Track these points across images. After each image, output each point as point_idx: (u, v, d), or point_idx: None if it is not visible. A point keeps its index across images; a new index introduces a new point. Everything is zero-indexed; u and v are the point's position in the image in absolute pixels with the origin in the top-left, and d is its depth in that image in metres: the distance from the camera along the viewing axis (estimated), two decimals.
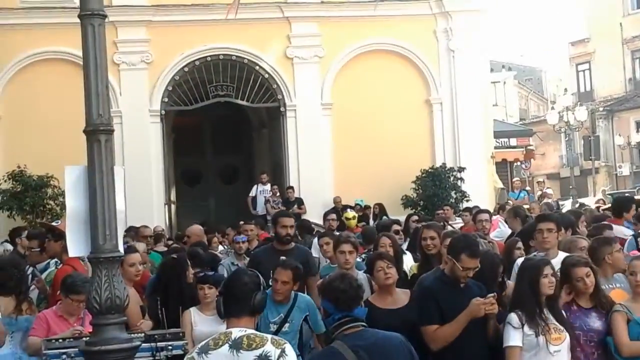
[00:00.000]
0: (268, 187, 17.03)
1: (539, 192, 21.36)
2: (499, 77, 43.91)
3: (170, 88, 16.86)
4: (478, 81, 17.91)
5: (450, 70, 17.57)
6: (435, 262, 6.10)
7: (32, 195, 14.93)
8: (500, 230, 10.19)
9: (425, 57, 17.55)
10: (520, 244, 6.83)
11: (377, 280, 5.48)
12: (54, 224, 6.76)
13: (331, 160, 17.19)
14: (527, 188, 21.86)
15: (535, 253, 6.08)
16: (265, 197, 16.81)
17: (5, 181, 15.19)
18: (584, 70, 42.53)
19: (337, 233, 8.80)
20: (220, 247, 10.95)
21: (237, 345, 3.47)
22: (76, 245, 4.58)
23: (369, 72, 17.24)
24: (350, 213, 13.92)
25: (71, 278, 5.72)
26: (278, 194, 16.75)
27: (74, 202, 4.57)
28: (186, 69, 16.89)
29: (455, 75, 17.53)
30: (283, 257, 6.16)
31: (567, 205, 19.31)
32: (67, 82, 15.13)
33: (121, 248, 4.65)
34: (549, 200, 18.08)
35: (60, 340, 5.05)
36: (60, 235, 6.18)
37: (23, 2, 16.21)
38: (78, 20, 4.78)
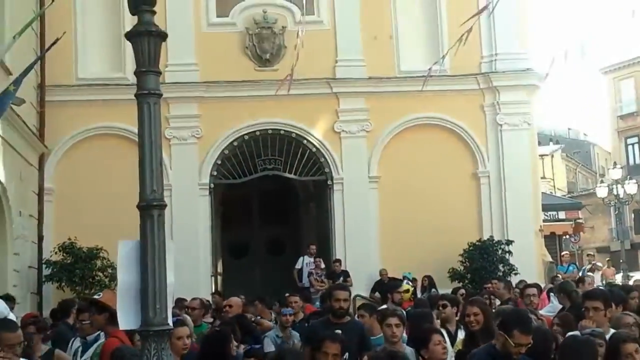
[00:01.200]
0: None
1: (589, 265, 21.05)
2: (546, 150, 43.76)
3: (219, 162, 17.14)
4: (526, 154, 17.88)
5: (498, 143, 17.60)
6: (479, 338, 6.04)
7: (82, 267, 15.17)
8: (552, 305, 10.07)
9: (472, 130, 17.63)
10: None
11: (434, 354, 5.42)
12: (95, 297, 6.86)
13: (378, 233, 17.19)
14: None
15: (583, 331, 6.01)
16: (309, 269, 16.84)
17: (55, 253, 15.46)
18: (632, 144, 42.20)
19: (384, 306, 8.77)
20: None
21: None
22: (127, 318, 4.64)
23: (416, 145, 17.35)
24: (405, 286, 13.82)
25: (120, 352, 5.75)
26: (323, 266, 16.75)
27: (126, 276, 4.65)
28: (235, 143, 17.18)
29: (502, 149, 17.55)
30: (338, 331, 6.15)
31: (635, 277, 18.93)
32: (119, 156, 15.55)
33: (170, 321, 4.71)
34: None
35: None
36: (102, 308, 6.26)
37: (79, 80, 16.72)
38: (132, 97, 4.96)
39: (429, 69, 13.38)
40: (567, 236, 28.39)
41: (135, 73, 4.86)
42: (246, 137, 17.23)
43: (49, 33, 15.44)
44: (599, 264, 21.51)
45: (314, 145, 17.32)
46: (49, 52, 13.27)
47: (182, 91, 16.59)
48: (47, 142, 16.25)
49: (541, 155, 34.04)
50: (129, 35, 4.94)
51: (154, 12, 5.07)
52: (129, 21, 5.03)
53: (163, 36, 4.98)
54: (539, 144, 29.13)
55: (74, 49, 16.59)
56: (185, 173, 16.72)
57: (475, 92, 17.67)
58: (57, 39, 11.96)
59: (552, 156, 46.49)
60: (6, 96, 11.16)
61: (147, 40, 4.89)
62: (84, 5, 16.64)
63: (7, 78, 12.96)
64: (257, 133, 17.26)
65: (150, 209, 4.64)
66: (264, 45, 17.21)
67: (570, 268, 18.10)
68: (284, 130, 17.31)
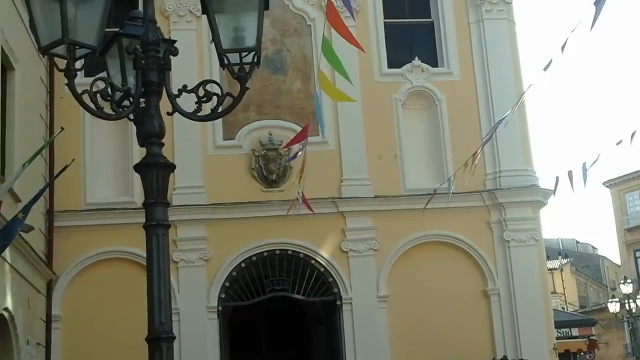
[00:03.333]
0: None
1: None
2: (556, 264, 43.54)
3: (227, 284, 17.04)
4: (535, 271, 17.78)
5: (506, 260, 17.53)
6: None
7: None
8: None
9: (480, 247, 17.59)
10: None
11: None
12: None
13: (389, 353, 16.91)
14: None
15: None
16: None
17: None
18: None
19: None
20: None
21: None
22: None
23: (424, 263, 17.29)
24: None
25: None
26: None
27: None
28: (243, 265, 17.13)
29: (511, 265, 17.46)
30: None
31: None
32: (128, 281, 15.51)
33: None
34: None
35: None
36: None
37: (87, 205, 16.85)
38: (140, 220, 4.99)
39: (434, 191, 13.49)
40: (582, 353, 27.88)
41: (143, 204, 4.91)
42: (254, 259, 17.19)
43: (57, 160, 15.67)
44: None
45: (322, 265, 17.26)
46: (58, 178, 13.43)
47: (189, 214, 16.67)
48: (55, 268, 16.22)
49: (551, 270, 33.86)
50: (138, 167, 5.03)
51: (162, 144, 5.18)
52: (137, 148, 5.14)
53: (171, 167, 5.07)
54: (548, 257, 29.01)
55: (83, 175, 16.77)
56: (193, 296, 16.60)
57: (481, 209, 17.73)
58: (66, 166, 12.13)
59: (562, 270, 46.24)
60: (15, 224, 11.23)
61: (155, 172, 4.98)
62: (92, 132, 16.91)
63: (15, 205, 13.06)
64: (265, 254, 17.23)
65: (159, 341, 4.60)
66: (270, 167, 17.40)
67: None
68: (292, 250, 17.29)
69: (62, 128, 12.54)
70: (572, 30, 7.25)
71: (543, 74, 7.80)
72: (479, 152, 12.61)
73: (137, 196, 16.27)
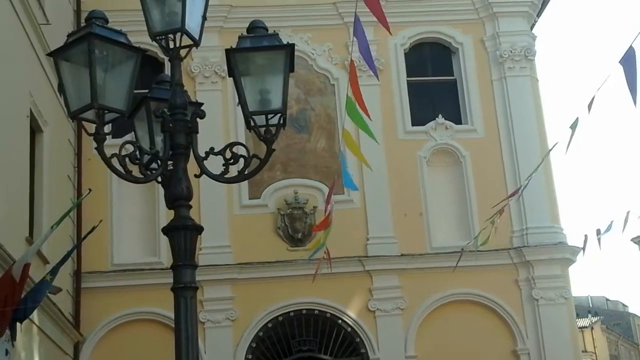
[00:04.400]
0: None
1: None
2: (586, 322, 42.91)
3: (254, 344, 16.90)
4: (565, 329, 17.49)
5: (536, 319, 17.28)
6: None
7: None
8: None
9: (508, 306, 17.37)
10: None
11: None
12: None
13: None
14: None
15: None
16: None
17: None
18: None
19: None
20: None
21: None
22: None
23: (452, 322, 17.08)
24: None
25: None
26: None
27: None
28: (270, 325, 17.02)
29: (541, 324, 17.20)
30: None
31: None
32: (155, 342, 15.52)
33: None
34: None
35: None
36: None
37: (114, 265, 16.90)
38: (167, 280, 4.98)
39: (462, 249, 13.40)
40: None
41: (171, 267, 4.92)
42: (280, 318, 17.08)
43: (85, 221, 15.78)
44: None
45: (349, 325, 17.11)
46: (85, 239, 13.50)
47: (216, 274, 16.64)
48: (82, 329, 16.20)
49: (581, 328, 33.35)
50: (166, 230, 5.05)
51: (189, 207, 5.20)
52: (164, 208, 5.19)
53: (199, 230, 5.08)
54: (577, 315, 28.65)
55: (110, 235, 16.85)
56: (220, 357, 16.47)
57: (509, 266, 17.55)
58: (94, 228, 12.19)
59: (592, 328, 45.55)
60: (43, 286, 11.27)
61: (183, 234, 5.00)
62: (120, 193, 17.03)
63: (44, 267, 13.13)
64: (291, 314, 17.13)
65: None
66: (295, 226, 17.41)
67: None
68: (318, 310, 17.18)
69: (90, 190, 12.63)
70: (598, 89, 7.25)
71: (569, 131, 7.78)
72: (504, 210, 12.53)
73: (164, 256, 16.33)
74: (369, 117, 9.50)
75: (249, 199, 17.63)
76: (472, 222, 17.53)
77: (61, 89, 5.44)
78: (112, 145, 5.45)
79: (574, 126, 7.77)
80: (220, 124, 17.38)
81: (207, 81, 17.96)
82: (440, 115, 18.42)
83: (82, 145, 16.85)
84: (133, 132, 6.29)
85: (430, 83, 19.22)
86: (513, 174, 17.87)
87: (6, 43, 12.18)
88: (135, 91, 5.53)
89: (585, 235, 10.49)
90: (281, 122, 5.71)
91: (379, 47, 18.16)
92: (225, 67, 5.80)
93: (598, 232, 10.09)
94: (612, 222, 9.94)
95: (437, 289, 17.27)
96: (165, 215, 14.90)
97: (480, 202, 17.58)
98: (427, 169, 18.11)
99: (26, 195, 13.19)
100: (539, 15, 19.39)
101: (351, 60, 10.56)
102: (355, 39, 8.39)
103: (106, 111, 5.20)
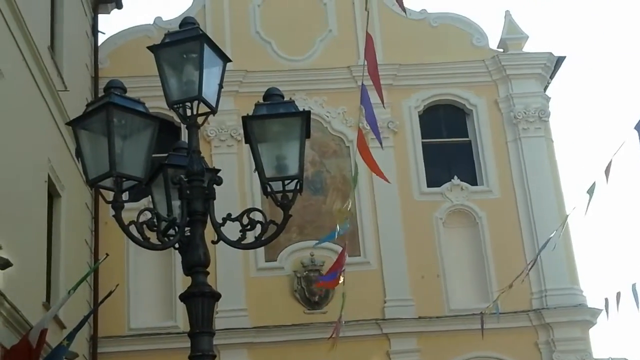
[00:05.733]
0: None
1: None
2: None
3: None
4: None
5: None
6: None
7: None
8: None
9: None
10: None
11: None
12: None
13: None
14: None
15: None
16: None
17: None
18: None
19: None
20: None
21: None
22: None
23: None
24: None
25: None
26: None
27: None
28: None
29: None
30: None
31: None
32: None
33: None
34: None
35: None
36: None
37: (130, 330, 16.81)
38: (184, 345, 4.96)
39: (481, 313, 13.26)
40: None
41: (189, 334, 4.90)
42: None
43: (102, 285, 15.76)
44: None
45: None
46: (102, 304, 13.47)
47: (232, 337, 16.50)
48: None
49: None
50: (183, 297, 5.04)
51: (207, 273, 5.20)
52: (181, 272, 5.18)
53: (216, 296, 5.08)
54: None
55: (126, 300, 16.80)
56: None
57: (529, 329, 17.32)
58: (111, 292, 12.19)
59: None
60: (59, 351, 11.24)
61: (200, 301, 4.99)
62: (136, 258, 17.00)
63: (60, 332, 13.09)
64: None
65: None
66: (312, 288, 17.31)
67: None
68: None
69: (107, 254, 12.66)
70: (615, 154, 7.25)
71: (586, 195, 7.76)
72: (524, 276, 12.47)
73: (181, 320, 16.24)
74: (387, 181, 9.53)
75: (265, 261, 17.59)
76: (490, 283, 17.39)
77: (79, 154, 5.49)
78: (128, 209, 5.47)
79: (591, 191, 7.76)
80: (237, 188, 17.44)
81: (223, 144, 18.09)
82: (455, 177, 18.42)
83: (99, 209, 16.92)
84: (150, 197, 6.33)
85: (445, 144, 19.26)
86: (530, 235, 17.78)
87: (25, 110, 12.36)
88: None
89: (606, 299, 10.37)
90: (298, 187, 5.73)
91: (393, 110, 18.31)
92: (241, 131, 5.87)
93: (618, 296, 9.99)
94: (634, 284, 9.84)
95: (456, 352, 17.07)
96: (182, 280, 14.89)
97: (498, 263, 17.49)
98: (444, 230, 18.05)
99: (43, 260, 13.22)
100: (552, 77, 19.49)
101: (359, 129, 10.65)
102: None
103: (124, 179, 5.23)
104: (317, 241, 15.89)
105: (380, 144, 10.63)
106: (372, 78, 7.79)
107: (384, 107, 10.41)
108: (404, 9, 8.22)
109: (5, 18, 11.32)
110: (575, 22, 40.50)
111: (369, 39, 8.17)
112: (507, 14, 19.57)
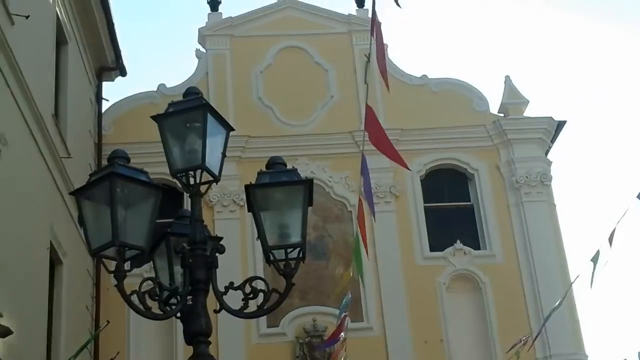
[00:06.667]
0: None
1: None
2: None
3: None
4: None
5: None
6: None
7: None
8: None
9: None
10: None
11: None
12: None
13: None
14: None
15: None
16: None
17: None
18: None
19: None
20: None
21: None
22: None
23: None
24: None
25: None
26: None
27: None
28: None
29: None
30: None
31: None
32: None
33: None
34: None
35: None
36: None
37: None
38: None
39: None
40: None
41: None
42: None
43: (102, 353, 15.63)
44: None
45: None
46: None
47: None
48: None
49: None
50: None
51: (209, 343, 5.17)
52: (182, 339, 5.13)
53: None
54: None
55: None
56: None
57: None
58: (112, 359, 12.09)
59: None
60: None
61: None
62: (138, 325, 16.78)
63: None
64: None
65: None
66: (314, 354, 17.14)
67: None
68: None
69: (108, 322, 12.60)
70: (618, 222, 7.23)
71: (590, 264, 7.71)
72: (529, 346, 12.39)
73: None
74: (367, 255, 9.55)
75: (267, 327, 17.45)
76: (494, 348, 17.23)
77: (81, 222, 5.50)
78: (130, 275, 5.46)
79: (595, 259, 7.71)
80: (239, 254, 17.39)
81: (225, 210, 18.11)
82: (458, 241, 18.38)
83: (101, 275, 16.84)
84: (152, 264, 6.31)
85: (447, 208, 19.26)
86: (534, 300, 17.66)
87: (28, 177, 12.42)
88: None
89: None
90: (301, 255, 5.72)
91: (395, 174, 18.36)
92: (244, 196, 5.91)
93: None
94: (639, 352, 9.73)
95: None
96: (183, 348, 14.76)
97: (502, 328, 17.34)
98: (447, 294, 17.94)
99: (44, 327, 13.13)
100: (553, 141, 19.58)
101: (359, 198, 10.70)
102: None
103: (127, 248, 5.23)
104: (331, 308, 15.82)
105: (373, 215, 10.68)
106: (381, 145, 7.82)
107: (409, 169, 10.34)
108: (387, 86, 8.37)
109: (10, 85, 11.46)
110: (575, 86, 40.91)
111: (369, 110, 8.26)
112: (507, 79, 19.76)
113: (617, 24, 39.67)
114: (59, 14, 14.85)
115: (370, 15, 8.21)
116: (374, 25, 7.87)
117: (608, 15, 39.80)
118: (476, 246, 18.53)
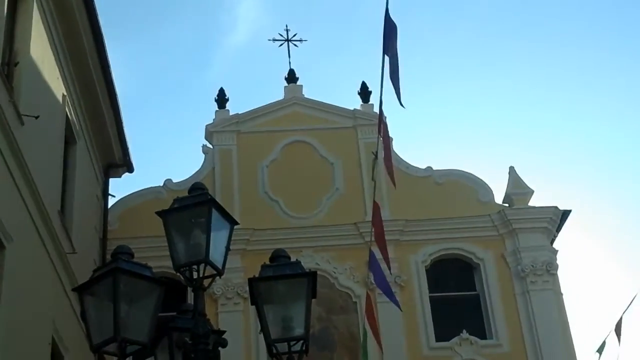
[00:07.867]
0: None
1: None
2: None
3: None
4: None
5: None
6: None
7: None
8: None
9: None
10: None
11: None
12: None
13: None
14: None
15: None
16: None
17: None
18: None
19: None
20: None
21: None
22: None
23: None
24: None
25: None
26: None
27: None
28: None
29: None
30: None
31: None
32: None
33: None
34: None
35: None
36: None
37: None
38: None
39: None
40: None
41: None
42: None
43: None
44: None
45: None
46: None
47: None
48: None
49: None
50: None
51: None
52: None
53: None
54: None
55: None
56: None
57: None
58: None
59: None
60: None
61: None
62: None
63: None
64: None
65: None
66: None
67: None
68: None
69: None
70: (624, 312, 7.22)
71: (596, 355, 7.66)
72: None
73: None
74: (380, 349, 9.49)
75: None
76: None
77: (83, 318, 5.50)
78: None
79: (601, 349, 7.66)
80: (242, 347, 17.19)
81: (229, 302, 17.98)
82: (464, 331, 18.18)
83: None
84: (154, 359, 6.28)
85: (453, 298, 19.12)
86: None
87: (32, 272, 12.41)
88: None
89: None
90: (304, 348, 5.70)
91: (400, 264, 18.30)
92: (248, 288, 5.93)
93: None
94: None
95: None
96: None
97: None
98: None
99: None
100: (558, 230, 19.55)
101: (367, 293, 10.68)
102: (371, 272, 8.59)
103: (128, 343, 5.22)
104: None
105: (399, 307, 10.59)
106: (379, 242, 7.91)
107: (390, 273, 10.39)
108: (394, 183, 8.48)
109: (17, 183, 11.56)
110: (580, 175, 41.06)
111: (376, 208, 8.34)
112: (512, 170, 19.84)
113: (619, 126, 40.08)
114: (68, 114, 15.02)
115: (375, 109, 8.40)
116: (381, 125, 8.03)
117: (611, 114, 40.21)
118: (482, 335, 18.31)
